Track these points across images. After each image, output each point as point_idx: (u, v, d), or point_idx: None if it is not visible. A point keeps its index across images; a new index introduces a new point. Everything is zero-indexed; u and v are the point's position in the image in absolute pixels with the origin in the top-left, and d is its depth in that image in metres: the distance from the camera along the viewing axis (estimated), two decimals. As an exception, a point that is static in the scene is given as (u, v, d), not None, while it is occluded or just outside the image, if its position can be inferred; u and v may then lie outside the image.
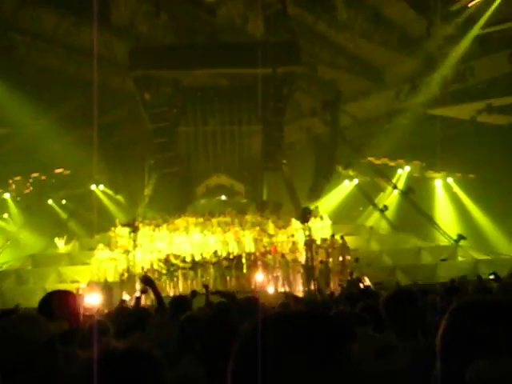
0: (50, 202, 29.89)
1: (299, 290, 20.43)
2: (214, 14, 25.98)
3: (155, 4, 24.73)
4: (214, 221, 26.06)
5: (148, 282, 7.72)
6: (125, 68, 25.71)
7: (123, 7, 24.96)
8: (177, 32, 27.38)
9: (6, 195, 29.13)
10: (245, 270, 21.47)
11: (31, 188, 29.88)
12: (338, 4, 25.64)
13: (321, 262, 21.37)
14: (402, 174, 32.29)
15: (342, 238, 23.19)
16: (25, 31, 25.78)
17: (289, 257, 22.01)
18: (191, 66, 25.96)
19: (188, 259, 22.11)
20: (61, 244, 26.96)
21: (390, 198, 30.90)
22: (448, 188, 32.26)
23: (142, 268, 21.43)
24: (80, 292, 20.10)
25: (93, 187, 29.94)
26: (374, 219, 29.94)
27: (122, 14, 24.95)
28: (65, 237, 27.39)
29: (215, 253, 22.57)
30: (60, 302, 3.07)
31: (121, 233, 23.96)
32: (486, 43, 25.26)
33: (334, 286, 20.16)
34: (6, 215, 29.14)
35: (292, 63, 26.12)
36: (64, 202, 30.58)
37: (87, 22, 25.44)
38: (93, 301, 18.18)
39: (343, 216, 30.28)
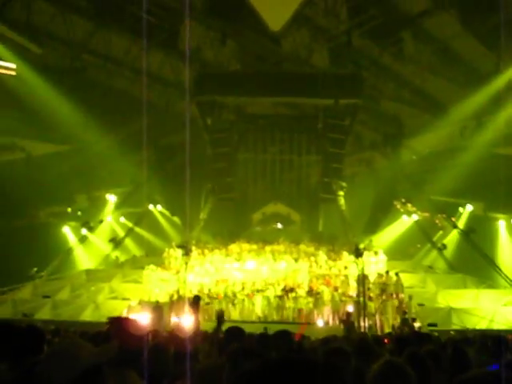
0: (108, 219, 30.53)
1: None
2: (280, 43, 26.25)
3: (222, 32, 25.21)
4: (268, 249, 25.93)
5: (195, 304, 7.64)
6: (190, 92, 26.22)
7: (191, 34, 25.55)
8: (242, 60, 27.79)
9: (69, 210, 29.97)
10: (294, 301, 21.16)
11: (93, 204, 30.64)
12: (405, 37, 25.43)
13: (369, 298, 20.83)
14: (464, 212, 31.31)
15: (396, 274, 22.61)
16: (97, 54, 26.77)
17: (340, 290, 21.60)
18: (254, 93, 26.24)
19: (240, 286, 22.02)
20: (117, 261, 27.48)
21: (450, 236, 29.98)
22: (511, 229, 31.04)
23: (191, 291, 21.46)
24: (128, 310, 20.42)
25: (150, 207, 30.48)
26: (431, 258, 29.07)
27: (189, 40, 25.53)
28: (121, 254, 27.91)
29: (267, 281, 22.41)
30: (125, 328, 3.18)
31: (174, 254, 24.18)
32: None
33: (385, 325, 19.63)
34: (67, 229, 29.89)
35: (355, 95, 26.01)
36: (122, 220, 31.17)
37: (156, 47, 26.28)
38: (142, 320, 18.30)
39: (400, 252, 29.55)
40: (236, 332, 5.64)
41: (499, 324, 19.23)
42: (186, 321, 17.12)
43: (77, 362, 2.23)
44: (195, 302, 7.44)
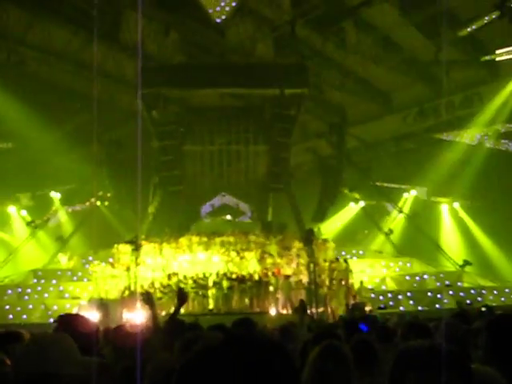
0: (54, 216, 29.86)
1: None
2: (224, 34, 26.11)
3: (165, 23, 24.90)
4: (218, 240, 25.93)
5: (148, 300, 7.61)
6: (133, 86, 25.81)
7: (133, 25, 25.11)
8: (186, 51, 27.52)
9: (11, 209, 29.10)
10: (247, 291, 21.26)
11: (37, 202, 29.87)
12: (347, 27, 25.74)
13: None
14: (408, 198, 32.17)
15: (345, 261, 23.02)
16: (36, 47, 25.96)
17: (292, 279, 21.84)
18: (199, 85, 26.06)
19: (191, 279, 21.95)
20: (64, 260, 26.91)
21: (396, 221, 30.75)
22: (454, 213, 32.07)
23: (142, 286, 21.27)
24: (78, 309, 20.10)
25: (98, 203, 29.97)
26: (378, 243, 29.79)
27: (131, 32, 25.10)
28: (68, 252, 27.35)
29: (218, 273, 22.43)
30: (75, 325, 3.12)
31: (123, 250, 23.86)
32: (495, 69, 25.30)
33: (337, 310, 19.99)
34: (9, 229, 29.06)
35: (300, 85, 26.15)
36: (68, 217, 30.54)
37: (98, 40, 25.69)
38: (92, 318, 18.03)
39: (348, 239, 30.14)
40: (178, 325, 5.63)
41: (445, 304, 19.89)
42: (138, 316, 16.97)
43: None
44: (147, 298, 7.41)
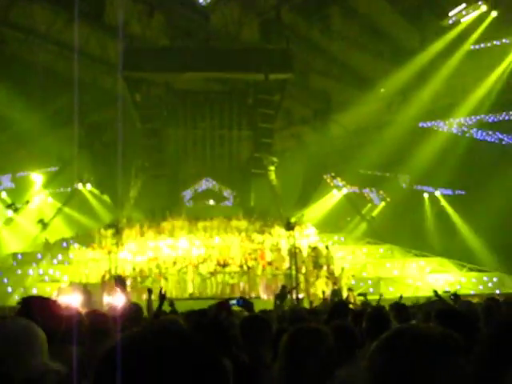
0: (35, 199, 29.56)
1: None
2: (208, 18, 25.88)
3: (149, 4, 24.61)
4: (200, 225, 25.92)
5: (120, 282, 7.67)
6: (117, 68, 25.54)
7: (117, 6, 24.80)
8: (170, 35, 27.24)
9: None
10: (228, 276, 21.29)
11: (17, 184, 29.57)
12: (333, 13, 25.65)
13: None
14: (391, 185, 32.32)
15: (327, 247, 23.12)
16: (17, 27, 25.54)
17: (273, 265, 21.89)
18: (183, 69, 25.82)
19: (172, 263, 21.93)
20: (44, 243, 26.71)
21: (378, 209, 30.92)
22: (436, 201, 32.31)
23: (123, 270, 21.19)
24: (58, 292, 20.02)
25: (79, 186, 29.73)
26: (360, 229, 29.94)
27: (115, 12, 24.78)
28: (48, 236, 27.14)
29: (200, 257, 22.42)
30: (40, 309, 3.02)
31: (105, 233, 23.74)
32: (478, 59, 25.38)
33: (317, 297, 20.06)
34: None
35: (284, 70, 26.04)
36: (50, 200, 30.27)
37: (81, 20, 25.33)
38: (73, 302, 17.96)
39: (330, 225, 30.22)
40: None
41: (424, 291, 20.05)
42: (118, 300, 16.93)
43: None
44: (120, 281, 7.47)
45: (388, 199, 30.80)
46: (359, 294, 20.79)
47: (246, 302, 6.71)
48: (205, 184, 30.89)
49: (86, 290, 19.13)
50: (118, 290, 7.67)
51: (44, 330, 2.45)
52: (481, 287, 23.06)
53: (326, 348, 2.92)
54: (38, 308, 3.03)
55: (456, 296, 7.85)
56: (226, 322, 4.64)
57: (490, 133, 29.03)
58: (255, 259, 22.37)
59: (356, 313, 6.87)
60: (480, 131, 29.15)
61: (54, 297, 19.73)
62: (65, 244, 26.74)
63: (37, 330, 2.35)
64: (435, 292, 8.96)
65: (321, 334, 2.96)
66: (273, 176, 27.99)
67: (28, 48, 26.51)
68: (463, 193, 29.76)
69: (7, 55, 25.35)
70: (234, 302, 6.92)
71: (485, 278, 23.97)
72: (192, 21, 26.36)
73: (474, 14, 24.20)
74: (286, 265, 22.00)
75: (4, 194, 29.01)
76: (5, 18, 24.89)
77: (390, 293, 21.51)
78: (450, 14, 24.32)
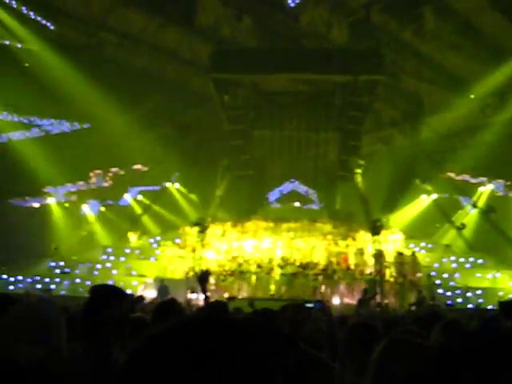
0: (126, 196, 30.69)
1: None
2: (298, 19, 25.80)
3: (238, 8, 24.87)
4: (285, 226, 25.88)
5: (203, 278, 7.59)
6: (206, 69, 26.02)
7: (208, 10, 25.28)
8: (259, 36, 27.42)
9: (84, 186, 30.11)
10: (310, 279, 21.11)
11: (110, 182, 30.77)
12: (426, 12, 24.83)
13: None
14: (484, 192, 30.84)
15: (413, 253, 22.44)
16: (114, 31, 26.64)
17: (356, 268, 21.52)
18: (271, 70, 25.82)
19: (255, 263, 22.03)
20: (133, 238, 27.67)
21: (469, 216, 29.61)
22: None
23: (207, 269, 21.48)
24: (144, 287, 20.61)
25: (168, 185, 30.58)
26: (450, 237, 28.78)
27: (206, 16, 25.27)
28: (138, 232, 28.08)
29: (283, 259, 22.40)
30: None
31: (190, 232, 24.24)
32: None
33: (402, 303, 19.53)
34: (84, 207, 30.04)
35: (374, 72, 25.46)
36: (140, 197, 31.31)
37: (173, 24, 26.07)
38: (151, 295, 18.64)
39: (418, 231, 29.31)
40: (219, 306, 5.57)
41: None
42: (201, 297, 17.20)
43: None
44: (203, 277, 7.40)
45: (480, 206, 29.39)
46: (446, 305, 20.03)
47: (323, 306, 6.57)
48: (291, 186, 30.82)
49: (163, 285, 19.57)
50: (199, 286, 7.59)
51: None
52: None
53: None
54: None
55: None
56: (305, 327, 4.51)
57: None
58: (338, 263, 22.07)
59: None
60: None
61: (140, 291, 20.37)
62: (152, 240, 27.59)
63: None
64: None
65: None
66: (359, 179, 27.47)
67: (123, 51, 27.56)
68: None
69: (104, 58, 26.45)
70: (311, 304, 6.77)
71: None
72: (281, 22, 26.40)
73: None
74: (370, 270, 21.56)
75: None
76: (104, 22, 26.04)
77: (479, 304, 20.54)
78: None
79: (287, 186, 30.94)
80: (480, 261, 25.33)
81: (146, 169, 30.53)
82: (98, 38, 26.72)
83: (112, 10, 25.93)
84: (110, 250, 25.82)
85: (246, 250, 23.61)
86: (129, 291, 20.10)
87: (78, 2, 24.99)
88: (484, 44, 26.04)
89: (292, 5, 24.30)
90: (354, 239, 24.27)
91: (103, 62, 25.95)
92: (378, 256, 20.90)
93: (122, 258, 24.69)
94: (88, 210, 29.82)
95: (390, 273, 21.52)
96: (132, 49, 27.44)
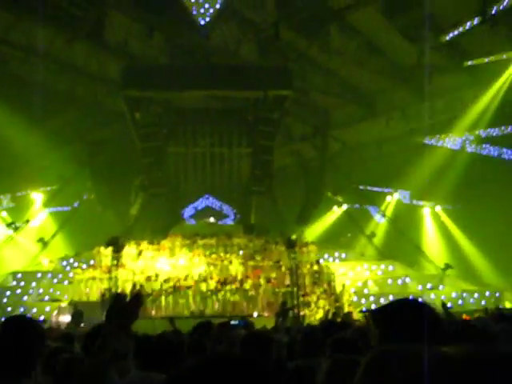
0: (36, 218, 29.51)
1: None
2: (208, 36, 26.02)
3: (149, 24, 24.76)
4: (201, 243, 25.85)
5: (136, 301, 7.45)
6: (116, 86, 25.64)
7: (117, 26, 24.96)
8: (170, 53, 27.39)
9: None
10: (229, 294, 21.19)
11: (18, 204, 29.53)
12: (332, 30, 25.78)
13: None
14: (391, 201, 32.28)
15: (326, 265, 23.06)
16: (18, 46, 25.66)
17: (274, 282, 21.82)
18: (183, 87, 25.91)
19: (171, 281, 21.84)
20: (45, 262, 26.63)
21: (378, 225, 30.86)
22: (436, 217, 32.24)
23: (123, 289, 21.08)
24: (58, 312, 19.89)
25: (78, 205, 29.71)
26: (361, 246, 29.85)
27: (115, 32, 24.93)
28: (49, 254, 27.07)
29: (199, 275, 22.35)
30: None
31: (105, 252, 23.67)
32: (476, 75, 25.46)
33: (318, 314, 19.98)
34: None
35: (283, 87, 26.16)
36: (50, 219, 30.23)
37: (81, 40, 25.49)
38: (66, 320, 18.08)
39: (331, 242, 30.15)
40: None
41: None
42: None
43: None
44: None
45: (388, 215, 30.73)
46: (360, 311, 20.70)
47: (246, 323, 6.70)
48: (205, 202, 30.84)
49: (78, 310, 18.97)
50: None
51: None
52: (483, 302, 22.94)
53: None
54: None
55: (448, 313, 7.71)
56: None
57: (489, 147, 29.07)
58: (257, 277, 22.29)
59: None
60: (479, 146, 29.20)
61: (53, 316, 19.65)
62: (65, 263, 26.66)
63: None
64: (443, 305, 8.77)
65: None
66: (273, 193, 27.96)
67: (28, 67, 26.60)
68: (463, 208, 29.63)
69: (8, 74, 25.43)
70: (235, 322, 6.98)
71: (487, 294, 23.89)
72: (191, 39, 26.52)
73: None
74: (287, 282, 21.92)
75: (4, 214, 28.95)
76: (6, 36, 25.02)
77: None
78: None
79: (202, 202, 30.91)
80: (390, 267, 26.39)
81: (55, 188, 29.52)
82: (1, 53, 25.65)
83: (15, 25, 24.99)
84: (19, 275, 24.68)
85: (163, 268, 23.35)
86: (41, 318, 19.39)
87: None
88: (387, 60, 27.34)
89: (202, 23, 24.50)
90: (270, 252, 24.62)
91: (8, 78, 24.93)
92: (294, 268, 21.30)
93: (34, 283, 23.70)
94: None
95: (305, 284, 21.99)
96: (39, 64, 26.51)
